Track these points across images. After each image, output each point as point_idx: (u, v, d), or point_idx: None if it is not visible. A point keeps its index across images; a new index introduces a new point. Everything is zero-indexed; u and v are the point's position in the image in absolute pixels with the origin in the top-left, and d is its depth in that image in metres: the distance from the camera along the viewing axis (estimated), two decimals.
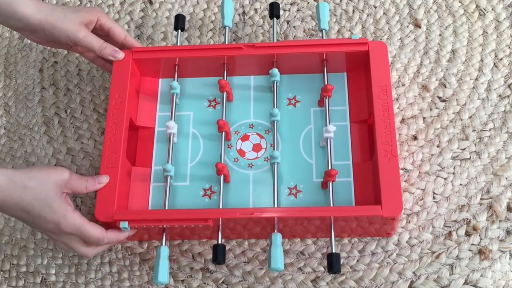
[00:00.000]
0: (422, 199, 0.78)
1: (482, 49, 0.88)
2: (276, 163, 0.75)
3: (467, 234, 0.76)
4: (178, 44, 0.85)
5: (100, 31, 0.80)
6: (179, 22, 0.86)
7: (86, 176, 0.71)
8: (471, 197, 0.78)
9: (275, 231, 0.71)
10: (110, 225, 0.72)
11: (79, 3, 0.98)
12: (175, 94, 0.81)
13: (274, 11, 0.86)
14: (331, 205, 0.72)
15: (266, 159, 0.79)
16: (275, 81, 0.80)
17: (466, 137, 0.82)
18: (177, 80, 0.82)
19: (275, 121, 0.78)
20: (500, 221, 0.76)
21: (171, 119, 0.80)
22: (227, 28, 0.85)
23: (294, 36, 0.92)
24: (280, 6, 0.93)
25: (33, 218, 0.66)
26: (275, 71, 0.79)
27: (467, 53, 0.87)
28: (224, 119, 0.79)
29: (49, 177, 0.66)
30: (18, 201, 0.65)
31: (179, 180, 0.79)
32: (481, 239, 0.76)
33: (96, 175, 0.73)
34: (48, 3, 0.77)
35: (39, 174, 0.66)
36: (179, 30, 0.85)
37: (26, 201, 0.65)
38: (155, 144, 0.81)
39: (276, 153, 0.74)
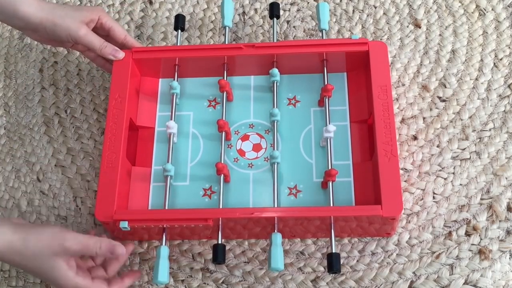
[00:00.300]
0: (422, 199, 0.78)
1: (482, 49, 0.88)
2: (276, 163, 0.75)
3: (467, 234, 0.76)
4: (178, 44, 0.85)
5: (101, 30, 0.80)
6: (179, 22, 0.86)
7: (104, 237, 0.69)
8: (471, 197, 0.78)
9: (275, 231, 0.71)
10: (110, 225, 0.72)
11: (79, 3, 0.98)
12: (175, 94, 0.81)
13: (274, 11, 0.86)
14: (331, 205, 0.72)
15: (266, 159, 0.79)
16: (275, 81, 0.80)
17: (466, 137, 0.82)
18: (177, 80, 0.82)
19: (275, 121, 0.78)
20: (500, 221, 0.76)
21: (171, 119, 0.80)
22: (227, 28, 0.85)
23: (294, 36, 0.92)
24: (280, 6, 0.93)
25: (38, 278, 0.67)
26: (275, 71, 0.79)
27: (467, 53, 0.87)
28: (224, 119, 0.79)
29: (45, 248, 0.65)
30: (17, 265, 0.66)
31: (179, 180, 0.79)
32: (481, 239, 0.76)
33: (116, 242, 0.69)
34: (50, 2, 0.78)
35: (36, 243, 0.65)
36: (179, 30, 0.85)
37: (25, 268, 0.66)
38: (155, 144, 0.81)
39: (276, 153, 0.74)
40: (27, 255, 0.65)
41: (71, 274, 0.66)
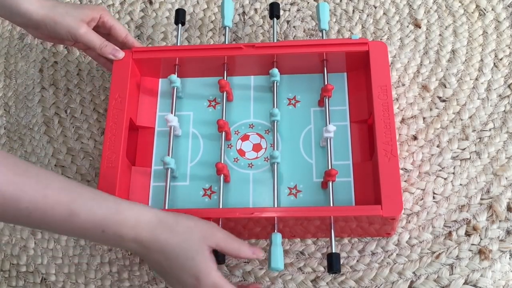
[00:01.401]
0: (422, 199, 0.78)
1: (482, 49, 0.88)
2: (276, 163, 0.75)
3: (467, 234, 0.76)
4: (179, 38, 0.85)
5: (102, 29, 0.81)
6: (180, 16, 0.86)
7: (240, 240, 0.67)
8: (471, 197, 0.78)
9: (275, 231, 0.71)
10: None
11: (79, 2, 0.98)
12: (175, 87, 0.81)
13: (274, 11, 0.86)
14: (331, 205, 0.72)
15: (266, 159, 0.79)
16: (275, 81, 0.80)
17: (466, 137, 0.82)
18: None
19: (275, 121, 0.78)
20: (500, 221, 0.76)
21: (171, 113, 0.80)
22: (227, 28, 0.85)
23: (294, 36, 0.92)
24: (280, 6, 0.93)
25: (172, 268, 0.62)
26: (275, 71, 0.79)
27: (467, 53, 0.87)
28: (224, 119, 0.79)
29: (196, 227, 0.64)
30: (163, 244, 0.62)
31: (179, 180, 0.79)
32: (481, 239, 0.76)
33: (253, 245, 0.68)
34: (51, 0, 0.78)
35: (187, 222, 0.64)
36: (180, 25, 0.85)
37: (171, 245, 0.62)
38: (155, 144, 0.81)
39: (276, 153, 0.74)
40: (178, 230, 0.62)
41: (214, 266, 0.64)
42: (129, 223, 0.61)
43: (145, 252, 0.63)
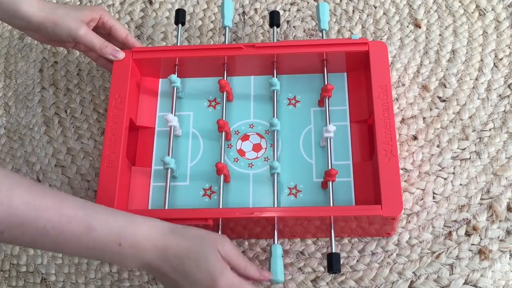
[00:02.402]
0: (422, 199, 0.78)
1: (482, 49, 0.88)
2: (276, 173, 0.75)
3: (467, 234, 0.76)
4: (179, 38, 0.85)
5: (102, 30, 0.81)
6: (180, 17, 0.86)
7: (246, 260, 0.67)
8: (471, 197, 0.78)
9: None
10: None
11: (79, 3, 0.98)
12: (175, 87, 0.81)
13: (274, 19, 0.85)
14: (331, 205, 0.72)
15: (266, 159, 0.79)
16: (275, 90, 0.80)
17: (466, 137, 0.82)
18: None
19: (275, 131, 0.77)
20: (500, 221, 0.76)
21: (171, 113, 0.80)
22: (227, 28, 0.85)
23: (294, 36, 0.92)
24: (280, 6, 0.93)
25: (187, 272, 0.62)
26: (275, 80, 0.79)
27: (467, 53, 0.87)
28: (224, 119, 0.79)
29: (207, 235, 0.65)
30: (177, 248, 0.63)
31: (179, 180, 0.79)
32: (481, 239, 0.76)
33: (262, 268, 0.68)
34: (50, 2, 0.78)
35: (197, 231, 0.65)
36: (180, 25, 0.85)
37: (184, 248, 0.63)
38: (155, 144, 0.81)
39: (276, 164, 0.74)
40: (189, 236, 0.63)
41: (228, 266, 0.64)
42: (144, 233, 0.62)
43: (160, 263, 0.63)
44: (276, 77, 0.81)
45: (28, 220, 0.56)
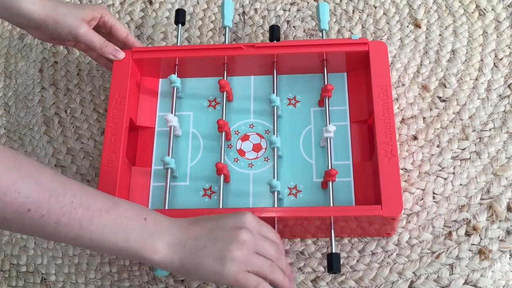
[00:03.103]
0: (422, 199, 0.78)
1: (482, 49, 0.88)
2: (276, 148, 0.75)
3: (467, 234, 0.76)
4: (179, 38, 0.85)
5: (103, 29, 0.81)
6: (180, 17, 0.86)
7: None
8: (471, 197, 0.78)
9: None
10: None
11: (79, 2, 0.98)
12: (175, 87, 0.81)
13: (274, 34, 0.84)
14: (331, 205, 0.72)
15: (266, 159, 0.79)
16: (275, 107, 0.79)
17: (466, 137, 0.82)
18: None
19: (275, 148, 0.76)
20: (500, 221, 0.76)
21: (171, 113, 0.80)
22: (227, 28, 0.85)
23: (294, 36, 0.92)
24: (280, 6, 0.93)
25: (212, 233, 0.63)
26: (273, 96, 0.78)
27: (467, 53, 0.87)
28: (224, 119, 0.79)
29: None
30: (196, 241, 0.62)
31: (179, 180, 0.79)
32: (481, 239, 0.76)
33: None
34: (52, 0, 0.78)
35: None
36: (180, 25, 0.85)
37: (202, 242, 0.62)
38: (155, 144, 0.81)
39: (275, 182, 0.73)
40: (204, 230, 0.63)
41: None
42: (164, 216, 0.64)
43: (184, 235, 0.62)
44: (276, 77, 0.81)
45: (56, 193, 0.56)
